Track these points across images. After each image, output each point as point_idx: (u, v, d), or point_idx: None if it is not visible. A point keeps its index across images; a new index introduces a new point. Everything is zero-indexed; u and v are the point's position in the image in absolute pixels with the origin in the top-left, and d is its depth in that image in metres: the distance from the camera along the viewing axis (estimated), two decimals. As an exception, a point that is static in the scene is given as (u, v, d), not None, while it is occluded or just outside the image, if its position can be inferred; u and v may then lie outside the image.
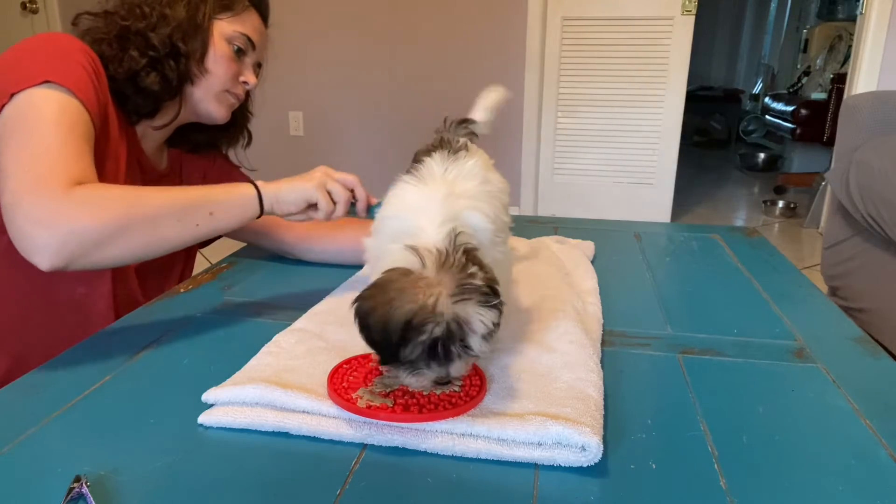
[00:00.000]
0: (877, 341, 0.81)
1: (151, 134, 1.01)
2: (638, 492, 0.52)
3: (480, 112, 0.91)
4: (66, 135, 0.77)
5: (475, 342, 0.56)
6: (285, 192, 0.85)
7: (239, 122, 1.11)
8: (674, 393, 0.68)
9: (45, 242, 0.71)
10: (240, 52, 0.99)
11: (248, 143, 1.16)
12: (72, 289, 0.90)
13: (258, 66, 1.05)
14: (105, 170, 0.88)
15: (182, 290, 0.96)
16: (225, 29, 0.97)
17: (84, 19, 0.93)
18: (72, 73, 0.82)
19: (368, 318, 0.56)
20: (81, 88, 0.81)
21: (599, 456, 0.55)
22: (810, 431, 0.62)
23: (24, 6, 3.57)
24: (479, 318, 0.55)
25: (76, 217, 0.72)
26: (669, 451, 0.58)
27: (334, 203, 0.87)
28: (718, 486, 0.53)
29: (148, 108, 0.96)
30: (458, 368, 0.58)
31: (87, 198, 0.73)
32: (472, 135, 0.84)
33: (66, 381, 0.69)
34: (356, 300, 0.57)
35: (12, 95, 0.77)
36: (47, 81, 0.78)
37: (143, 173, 1.00)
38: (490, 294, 0.56)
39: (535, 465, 0.55)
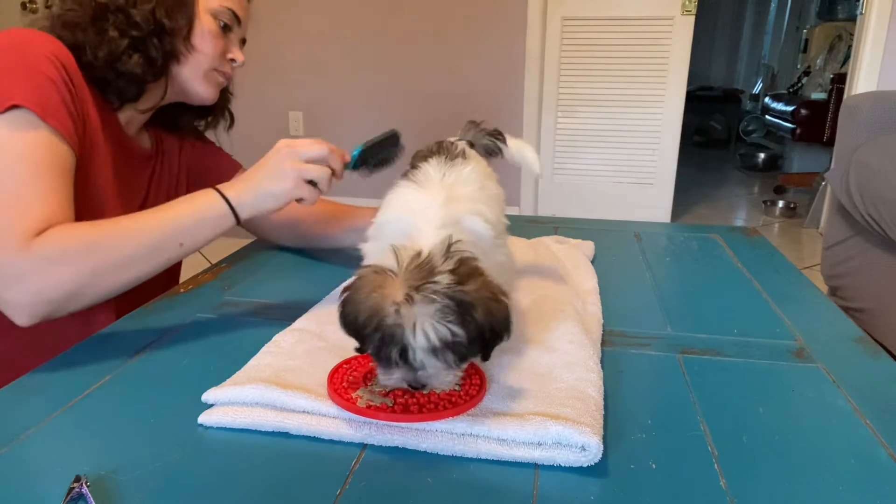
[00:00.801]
0: (877, 341, 0.81)
1: (136, 117, 0.98)
2: (638, 492, 0.52)
3: (516, 150, 0.92)
4: (33, 173, 0.74)
5: (416, 355, 0.53)
6: (260, 201, 0.81)
7: (219, 103, 1.07)
8: (674, 393, 0.68)
9: (15, 302, 0.71)
10: (226, 28, 0.96)
11: (231, 126, 1.13)
12: None
13: (242, 42, 1.02)
14: (98, 179, 0.88)
15: (182, 290, 0.96)
16: (210, 3, 0.93)
17: (56, 2, 0.88)
18: (39, 92, 0.77)
19: (343, 311, 0.58)
20: (50, 108, 0.77)
21: (599, 456, 0.55)
22: (810, 431, 0.62)
23: (24, 6, 3.57)
24: (422, 330, 0.51)
25: (39, 277, 0.71)
26: (669, 451, 0.58)
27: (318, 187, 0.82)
28: (718, 486, 0.53)
29: (132, 93, 0.92)
30: (429, 377, 0.56)
31: (48, 254, 0.71)
32: (496, 149, 0.88)
33: (66, 381, 0.69)
34: (343, 291, 0.59)
35: None
36: (14, 107, 0.75)
37: (131, 158, 0.98)
38: (452, 309, 0.51)
39: (535, 465, 0.55)
